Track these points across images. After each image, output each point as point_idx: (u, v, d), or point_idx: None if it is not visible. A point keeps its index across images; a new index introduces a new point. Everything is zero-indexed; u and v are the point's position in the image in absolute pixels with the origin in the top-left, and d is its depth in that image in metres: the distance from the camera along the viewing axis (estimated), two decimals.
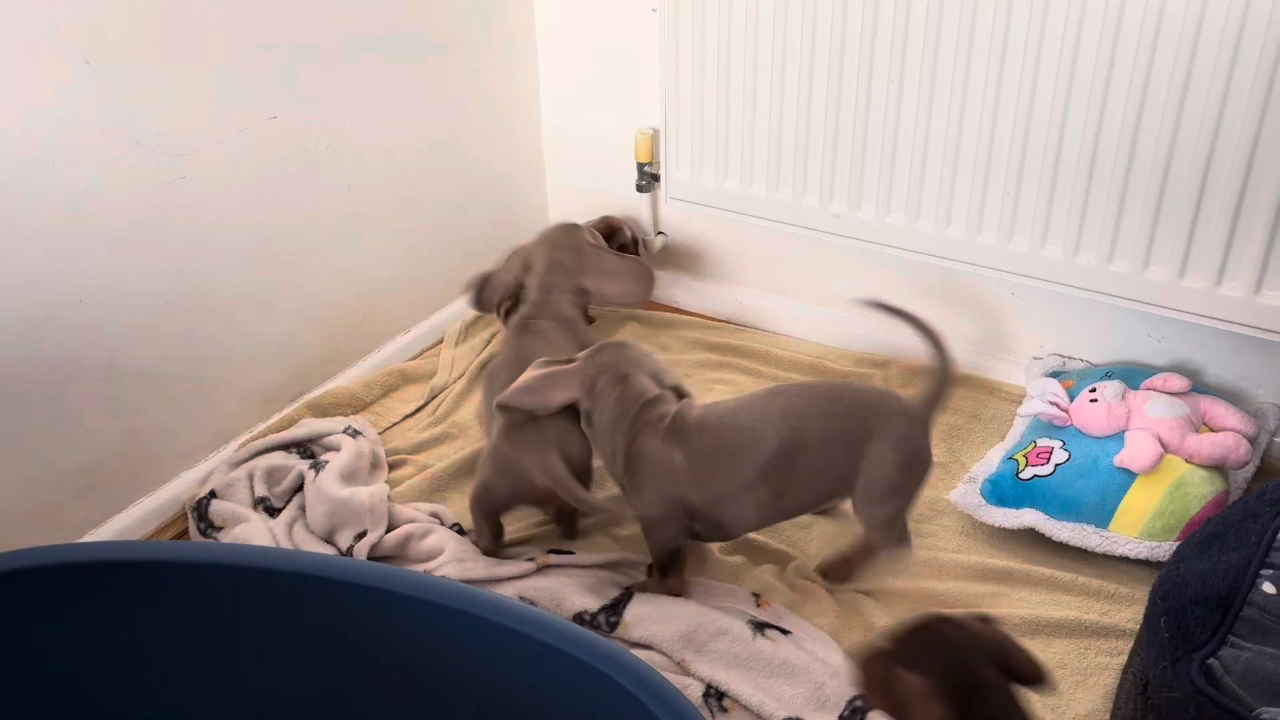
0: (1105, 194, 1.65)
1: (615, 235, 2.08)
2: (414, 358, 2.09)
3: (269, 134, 1.73)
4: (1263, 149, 1.51)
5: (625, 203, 2.20)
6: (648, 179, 2.13)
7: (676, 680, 1.32)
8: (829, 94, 1.80)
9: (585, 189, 2.29)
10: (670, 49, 1.92)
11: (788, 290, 2.14)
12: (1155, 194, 1.61)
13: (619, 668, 1.01)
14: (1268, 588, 1.28)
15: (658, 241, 2.23)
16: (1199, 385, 1.74)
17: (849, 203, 1.88)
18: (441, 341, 2.13)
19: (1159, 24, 1.52)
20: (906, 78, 1.73)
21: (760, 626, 1.39)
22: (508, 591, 1.46)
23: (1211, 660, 1.20)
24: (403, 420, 1.90)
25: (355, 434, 1.77)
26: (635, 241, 2.13)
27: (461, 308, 2.18)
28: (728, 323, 2.20)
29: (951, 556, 1.59)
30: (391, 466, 1.77)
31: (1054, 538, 1.58)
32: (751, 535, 1.59)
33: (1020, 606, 1.49)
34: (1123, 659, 1.40)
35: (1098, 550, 1.56)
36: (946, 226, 1.80)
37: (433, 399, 1.96)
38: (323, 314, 1.91)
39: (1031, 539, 1.60)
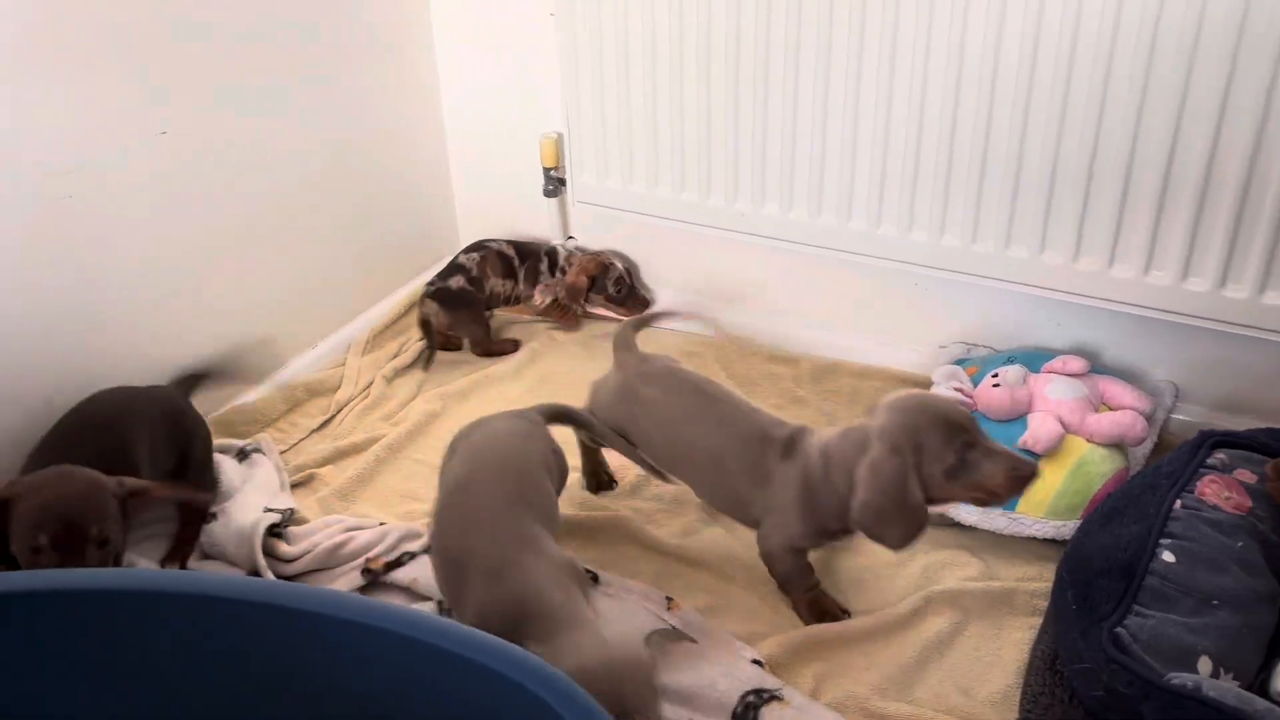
0: (1000, 183, 1.68)
1: (608, 272, 2.09)
2: (322, 371, 2.05)
3: (159, 150, 1.69)
4: (1143, 138, 1.55)
5: (534, 208, 2.19)
6: (554, 183, 2.12)
7: None
8: (728, 94, 1.82)
9: (493, 195, 2.28)
10: (569, 52, 1.92)
11: (700, 290, 2.15)
12: (1047, 182, 1.65)
13: (528, 674, 1.01)
14: (1167, 556, 1.31)
15: (569, 245, 2.22)
16: (1098, 366, 1.78)
17: (753, 200, 1.89)
18: (347, 355, 2.09)
19: (1039, 24, 1.55)
20: (802, 75, 1.75)
21: (660, 640, 1.39)
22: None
23: (1119, 629, 1.22)
24: (309, 436, 1.87)
25: (247, 454, 1.73)
26: (629, 273, 2.13)
27: (369, 319, 2.15)
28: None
29: (865, 543, 1.60)
30: (300, 483, 1.74)
31: (962, 522, 1.60)
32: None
33: (933, 589, 1.51)
34: (1033, 635, 1.42)
35: (1006, 532, 1.58)
36: (848, 220, 1.83)
37: (339, 412, 1.93)
38: (222, 331, 1.87)
39: (941, 523, 1.62)
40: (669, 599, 1.49)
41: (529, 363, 2.06)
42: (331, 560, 1.52)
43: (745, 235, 1.94)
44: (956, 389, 1.73)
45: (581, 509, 1.67)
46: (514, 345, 2.11)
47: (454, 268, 2.10)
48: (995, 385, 1.69)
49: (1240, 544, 1.33)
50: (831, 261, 1.93)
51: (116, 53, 1.59)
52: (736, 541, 1.61)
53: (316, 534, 1.57)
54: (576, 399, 1.93)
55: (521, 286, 2.15)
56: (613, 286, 2.10)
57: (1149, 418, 1.67)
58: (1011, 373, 1.70)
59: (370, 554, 1.52)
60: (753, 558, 1.56)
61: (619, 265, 2.10)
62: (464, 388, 1.97)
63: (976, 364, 1.82)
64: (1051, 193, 1.65)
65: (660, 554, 1.59)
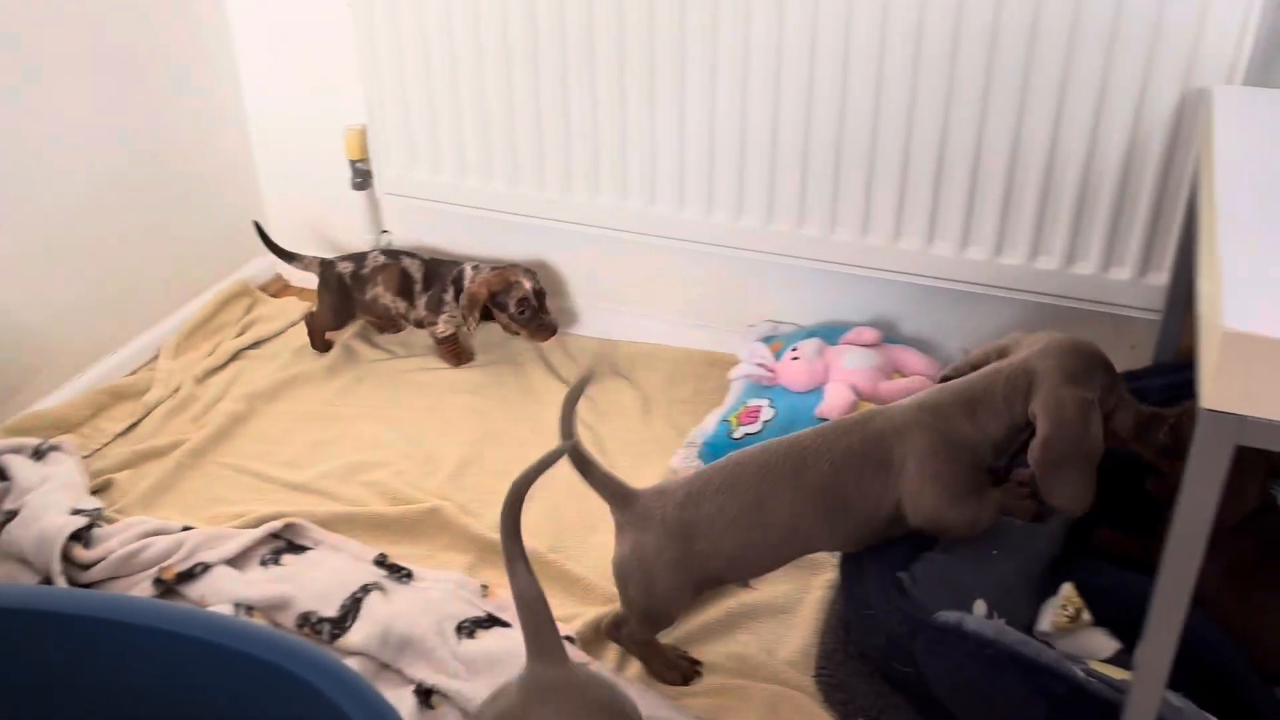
0: (791, 165, 1.73)
1: (511, 289, 1.92)
2: (131, 374, 1.99)
3: None
4: (918, 122, 1.63)
5: (343, 201, 2.16)
6: (361, 176, 2.10)
7: (391, 690, 1.33)
8: (529, 80, 1.83)
9: (301, 190, 2.24)
10: (367, 42, 1.90)
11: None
12: (832, 163, 1.70)
13: (321, 674, 1.01)
14: None
15: (382, 240, 2.20)
16: (894, 337, 1.86)
17: (561, 188, 1.91)
18: (158, 356, 2.03)
19: (849, 20, 1.61)
20: (599, 60, 1.77)
21: (471, 629, 1.40)
22: (251, 591, 1.44)
23: (901, 574, 1.29)
24: (113, 441, 1.81)
25: (44, 453, 1.67)
26: (538, 295, 1.94)
27: (179, 320, 2.09)
28: None
29: None
30: (98, 489, 1.68)
31: None
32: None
33: None
34: (833, 595, 1.48)
35: None
36: (651, 204, 1.86)
37: (147, 415, 1.87)
38: (16, 337, 1.79)
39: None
40: (484, 586, 1.51)
41: (344, 364, 2.03)
42: (126, 568, 1.48)
43: (556, 222, 1.95)
44: (759, 364, 1.78)
45: (395, 502, 1.67)
46: (326, 346, 2.07)
47: (360, 255, 2.04)
48: (794, 359, 1.76)
49: None
50: (641, 246, 1.97)
51: None
52: (553, 527, 1.62)
53: (114, 539, 1.52)
54: (388, 398, 1.93)
55: (423, 312, 2.01)
56: (515, 305, 1.92)
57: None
58: (809, 346, 1.76)
59: (164, 563, 1.48)
60: (571, 543, 1.59)
61: (527, 284, 1.92)
62: (271, 388, 1.94)
63: (781, 340, 1.88)
64: (838, 173, 1.71)
65: (477, 543, 1.60)
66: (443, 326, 2.00)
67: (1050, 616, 1.27)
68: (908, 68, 1.60)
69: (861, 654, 1.34)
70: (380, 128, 1.98)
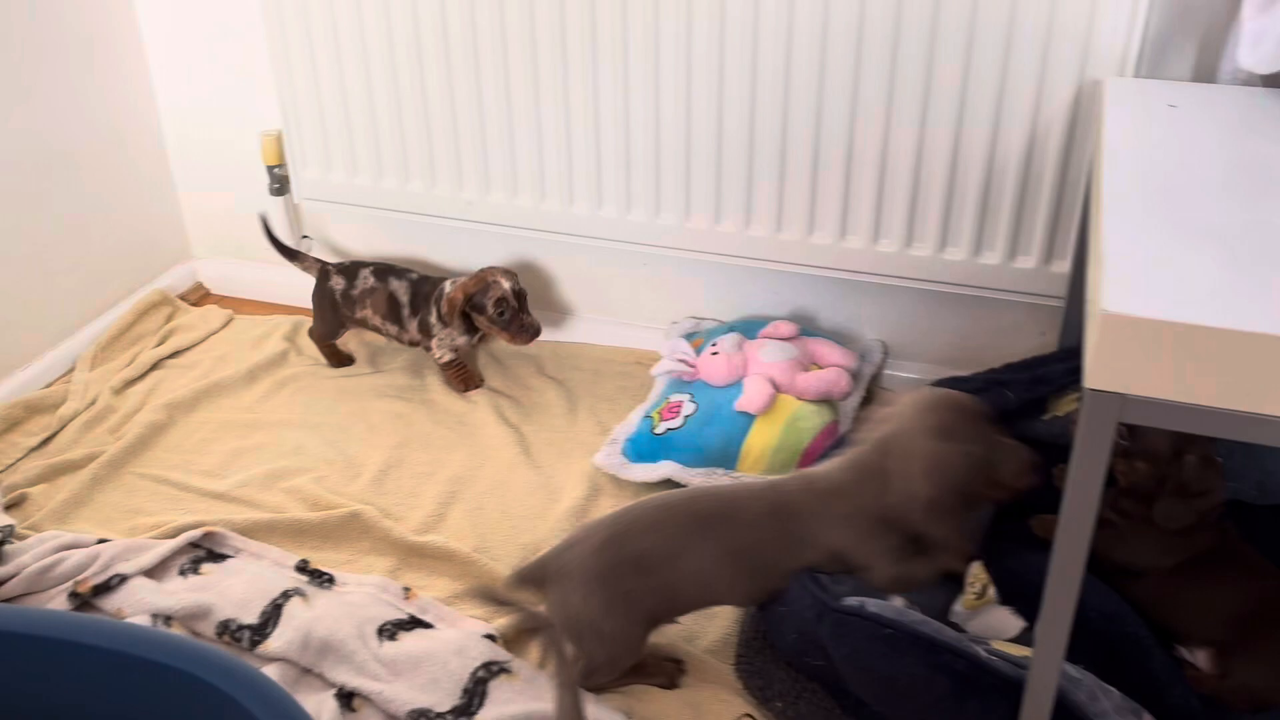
0: (705, 164, 1.76)
1: (488, 290, 1.85)
2: (46, 387, 1.96)
3: None
4: (826, 120, 1.66)
5: (262, 207, 2.14)
6: (279, 181, 2.08)
7: (313, 694, 1.33)
8: (442, 80, 1.83)
9: (220, 197, 2.22)
10: (280, 46, 1.89)
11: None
12: (746, 162, 1.73)
13: (234, 681, 1.00)
14: None
15: (303, 246, 2.19)
16: (812, 329, 1.89)
17: (479, 189, 1.91)
18: (74, 368, 2.00)
19: (756, 19, 1.63)
20: (512, 59, 1.78)
21: (394, 630, 1.40)
22: (170, 602, 1.43)
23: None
24: (27, 455, 1.78)
25: None
26: (518, 295, 1.86)
27: (97, 331, 2.06)
28: None
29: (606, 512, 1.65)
30: (12, 504, 1.65)
31: (689, 484, 1.67)
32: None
33: None
34: None
35: None
36: (570, 204, 1.87)
37: (63, 428, 1.84)
38: None
39: (671, 488, 1.68)
40: (406, 589, 1.51)
41: (265, 371, 2.02)
42: (40, 584, 1.46)
43: (476, 224, 1.96)
44: (680, 360, 1.80)
45: (316, 508, 1.66)
46: (347, 359, 2.05)
47: (353, 270, 1.97)
48: (714, 354, 1.78)
49: None
50: (561, 246, 1.98)
51: None
52: (478, 527, 1.63)
53: (28, 554, 1.50)
54: (310, 403, 1.92)
55: (416, 335, 1.95)
56: (493, 306, 1.84)
57: (854, 374, 1.79)
58: (728, 341, 1.79)
59: (80, 576, 1.46)
60: (496, 543, 1.60)
61: (504, 284, 1.85)
62: (191, 397, 1.92)
63: (702, 336, 1.90)
64: (751, 171, 1.74)
65: (399, 547, 1.60)
66: (438, 352, 1.92)
67: (960, 597, 1.30)
68: (814, 68, 1.63)
69: (775, 644, 1.36)
70: (296, 132, 1.97)
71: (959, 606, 1.33)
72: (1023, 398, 1.53)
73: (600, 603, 1.25)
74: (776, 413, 1.69)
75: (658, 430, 1.72)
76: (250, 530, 1.60)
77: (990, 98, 1.56)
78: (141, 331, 2.11)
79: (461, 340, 1.92)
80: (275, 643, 1.37)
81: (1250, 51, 1.26)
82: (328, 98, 1.91)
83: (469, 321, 1.89)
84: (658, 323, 2.05)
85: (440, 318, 1.90)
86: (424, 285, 1.94)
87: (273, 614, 1.41)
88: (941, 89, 1.58)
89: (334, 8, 1.82)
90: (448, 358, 1.93)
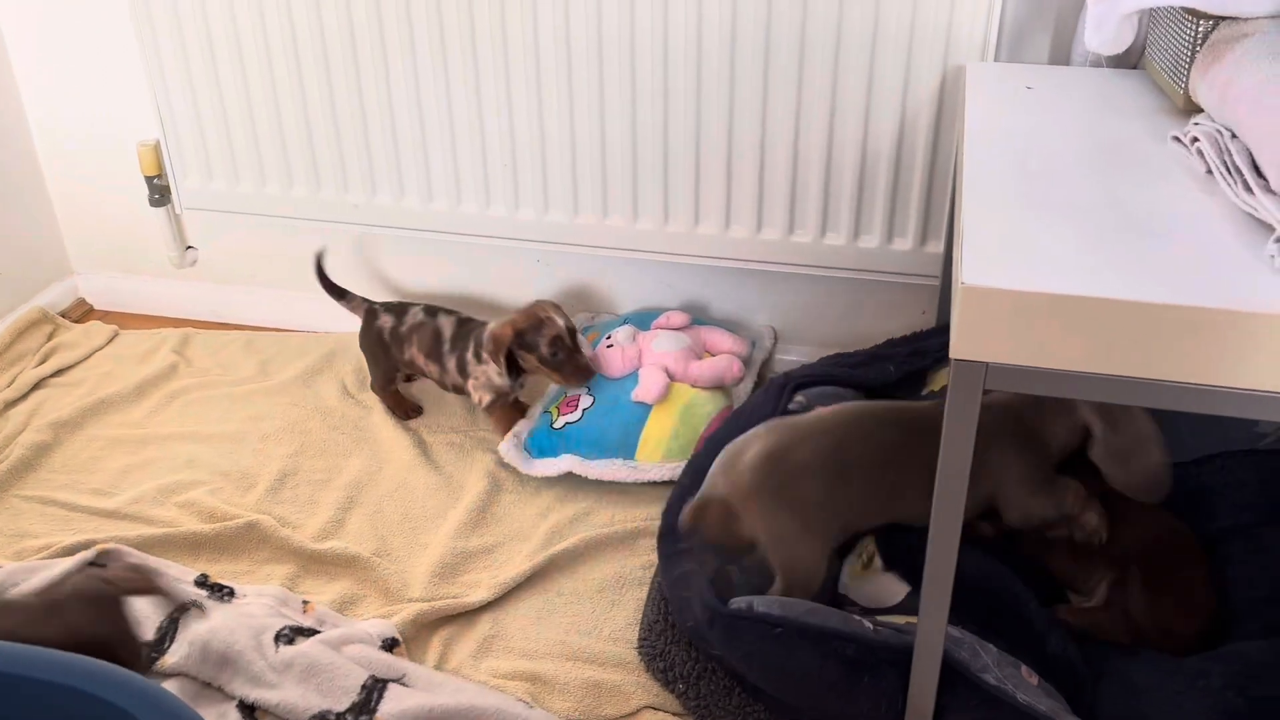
0: (591, 160, 1.78)
1: (542, 327, 1.70)
2: None
3: None
4: (706, 119, 1.69)
5: (141, 219, 2.10)
6: (159, 192, 2.04)
7: (215, 707, 1.32)
8: (320, 84, 1.82)
9: (98, 210, 2.17)
10: (152, 53, 1.86)
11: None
12: (630, 157, 1.75)
13: (131, 697, 0.99)
14: None
15: (188, 257, 2.15)
16: (704, 318, 1.93)
17: (364, 191, 1.90)
18: None
19: (633, 20, 1.65)
20: (391, 60, 1.78)
21: (291, 636, 1.40)
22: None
23: (731, 566, 1.34)
24: None
25: None
26: (571, 333, 1.72)
27: None
28: (279, 329, 2.17)
29: (509, 509, 1.66)
30: None
31: (589, 477, 1.69)
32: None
33: (569, 542, 1.58)
34: (654, 570, 1.53)
35: (629, 480, 1.69)
36: (458, 204, 1.88)
37: None
38: None
39: (574, 481, 1.70)
40: (305, 602, 1.50)
41: (154, 385, 1.98)
42: None
43: (363, 227, 1.95)
44: None
45: (211, 521, 1.64)
46: (415, 409, 1.89)
47: (403, 308, 1.86)
48: (609, 347, 1.80)
49: None
50: (453, 245, 1.98)
51: None
52: (377, 530, 1.62)
53: None
54: (201, 416, 1.89)
55: (455, 376, 1.80)
56: (547, 346, 1.69)
57: (745, 359, 1.83)
58: (622, 333, 1.81)
59: None
60: (398, 545, 1.59)
61: (559, 321, 1.70)
62: (77, 416, 1.87)
63: (598, 330, 1.93)
64: (635, 165, 1.76)
65: (298, 555, 1.58)
66: (476, 395, 1.77)
67: (847, 567, 1.34)
68: (691, 67, 1.66)
69: (677, 624, 1.39)
70: (174, 141, 1.93)
71: (845, 578, 1.38)
72: (904, 370, 1.59)
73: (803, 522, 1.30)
74: (672, 401, 1.72)
75: (557, 425, 1.73)
76: (145, 546, 1.57)
77: (860, 87, 1.61)
78: (21, 351, 2.06)
79: (501, 382, 1.73)
80: (173, 657, 1.35)
81: (1094, 34, 1.33)
82: (204, 105, 1.88)
83: (513, 361, 1.73)
84: None
85: (477, 354, 1.75)
86: (469, 323, 1.80)
87: (169, 629, 1.39)
88: (813, 81, 1.63)
89: (206, 12, 1.80)
90: (488, 399, 1.76)
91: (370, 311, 1.88)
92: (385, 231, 1.95)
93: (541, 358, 1.71)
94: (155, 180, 2.03)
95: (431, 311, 1.84)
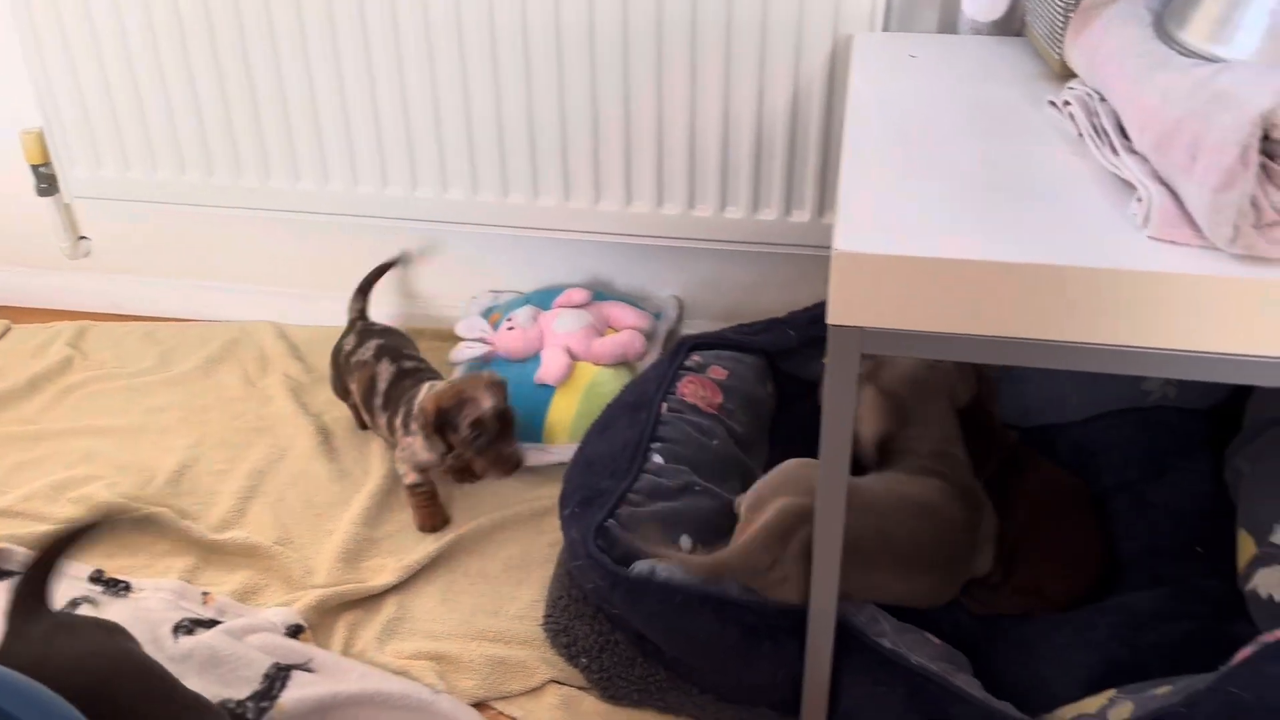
0: (489, 138, 1.76)
1: (464, 407, 1.50)
2: None
3: None
4: (602, 96, 1.69)
5: (28, 210, 2.04)
6: (46, 181, 1.98)
7: None
8: (207, 66, 1.78)
9: None
10: (30, 37, 1.80)
11: (232, 275, 2.10)
12: (527, 134, 1.74)
13: (14, 698, 0.97)
14: (657, 459, 1.46)
15: (81, 247, 2.09)
16: (608, 293, 1.93)
17: (258, 175, 1.87)
18: None
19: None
20: (279, 39, 1.74)
21: (191, 626, 1.37)
22: None
23: (609, 522, 1.34)
24: None
25: None
26: (500, 417, 1.51)
27: None
28: (178, 320, 2.12)
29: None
30: None
31: None
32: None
33: (475, 523, 1.58)
34: (559, 549, 1.53)
35: (538, 462, 1.68)
36: (355, 185, 1.85)
37: None
38: None
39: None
40: (205, 593, 1.47)
41: (47, 379, 1.93)
42: None
43: (258, 211, 1.91)
44: (479, 338, 1.81)
45: (108, 515, 1.60)
46: (443, 521, 1.61)
47: (370, 335, 1.72)
48: (510, 329, 1.79)
49: (715, 441, 1.50)
50: (353, 228, 1.95)
51: None
52: (279, 519, 1.60)
53: None
54: (97, 409, 1.84)
55: (383, 430, 1.65)
56: (468, 428, 1.49)
57: (649, 334, 1.83)
58: (522, 314, 1.80)
59: None
60: (301, 532, 1.57)
61: (485, 403, 1.50)
62: None
63: (500, 310, 1.91)
64: (534, 143, 1.75)
65: (198, 546, 1.56)
66: (400, 467, 1.59)
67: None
68: (584, 44, 1.65)
69: (584, 596, 1.39)
70: (58, 128, 1.88)
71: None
72: (804, 335, 1.61)
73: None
74: (575, 381, 1.71)
75: None
76: (38, 544, 1.53)
77: (753, 59, 1.62)
78: None
79: (427, 457, 1.55)
80: None
81: (972, 1, 1.35)
82: (88, 89, 1.83)
83: (444, 436, 1.54)
84: (457, 300, 2.04)
85: (405, 423, 1.58)
86: (406, 379, 1.62)
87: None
88: (706, 55, 1.63)
89: None
90: (411, 479, 1.58)
91: (350, 322, 1.80)
92: (281, 215, 1.91)
93: (463, 439, 1.51)
94: (41, 169, 1.96)
95: (380, 352, 1.67)
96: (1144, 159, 1.00)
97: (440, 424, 1.51)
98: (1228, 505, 1.38)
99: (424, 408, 1.52)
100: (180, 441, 1.77)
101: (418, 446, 1.55)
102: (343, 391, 1.77)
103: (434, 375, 1.65)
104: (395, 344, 1.71)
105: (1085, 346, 0.95)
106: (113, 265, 2.14)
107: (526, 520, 1.60)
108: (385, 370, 1.64)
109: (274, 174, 1.86)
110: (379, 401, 1.63)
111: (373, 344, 1.69)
